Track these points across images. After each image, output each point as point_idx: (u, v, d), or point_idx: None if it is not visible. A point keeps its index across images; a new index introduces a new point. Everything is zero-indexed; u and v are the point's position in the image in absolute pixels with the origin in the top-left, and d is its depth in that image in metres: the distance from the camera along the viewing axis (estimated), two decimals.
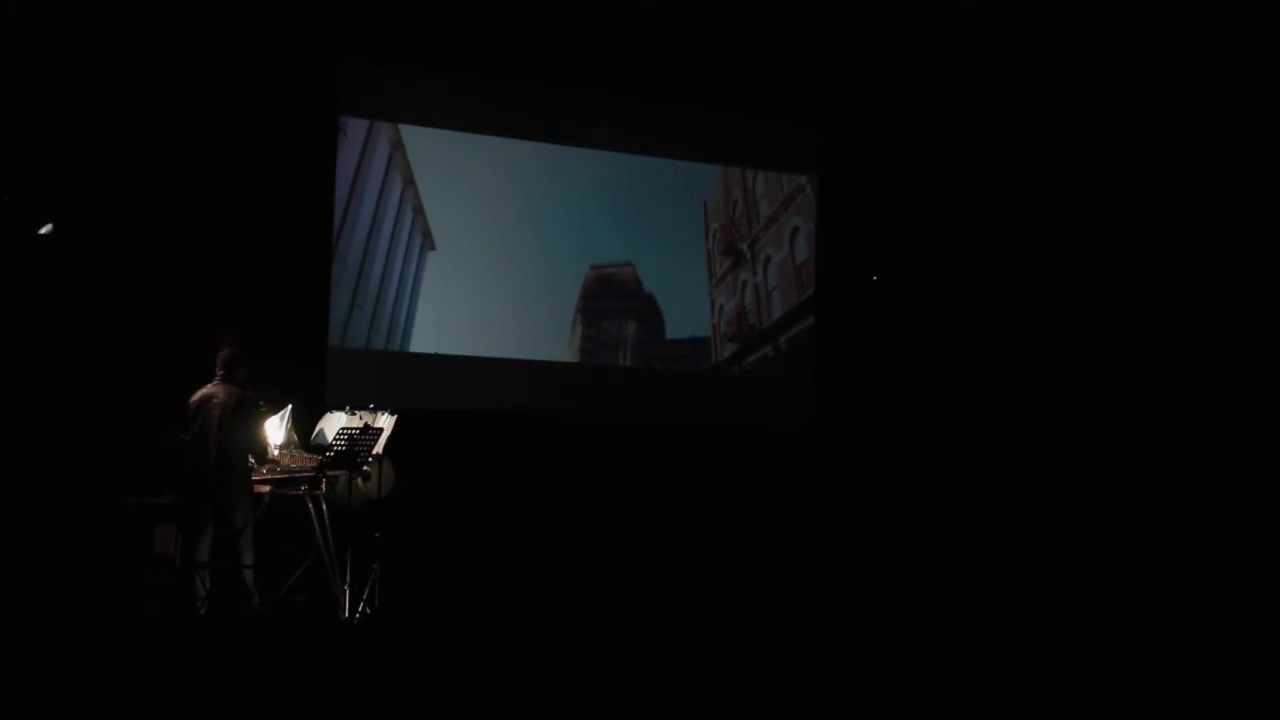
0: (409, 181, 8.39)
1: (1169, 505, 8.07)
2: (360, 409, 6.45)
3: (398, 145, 8.37)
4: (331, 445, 6.10)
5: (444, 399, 8.38)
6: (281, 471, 6.21)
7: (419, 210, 8.42)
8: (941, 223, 9.39)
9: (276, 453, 6.25)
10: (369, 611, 6.17)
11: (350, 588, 6.09)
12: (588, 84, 8.82)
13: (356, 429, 6.11)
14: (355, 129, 8.22)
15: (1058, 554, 8.09)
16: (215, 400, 5.88)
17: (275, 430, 6.30)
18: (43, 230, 7.04)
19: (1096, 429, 8.63)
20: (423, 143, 8.43)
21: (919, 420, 9.24)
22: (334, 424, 6.25)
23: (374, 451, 6.33)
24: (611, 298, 8.98)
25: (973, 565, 8.07)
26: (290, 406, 6.43)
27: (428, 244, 8.43)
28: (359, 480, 6.28)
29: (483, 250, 8.57)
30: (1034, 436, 8.83)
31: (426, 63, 8.42)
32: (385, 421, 6.43)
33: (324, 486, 6.34)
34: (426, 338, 8.41)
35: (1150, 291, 8.58)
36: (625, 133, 9.01)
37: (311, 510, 6.28)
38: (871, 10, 8.69)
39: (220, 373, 5.99)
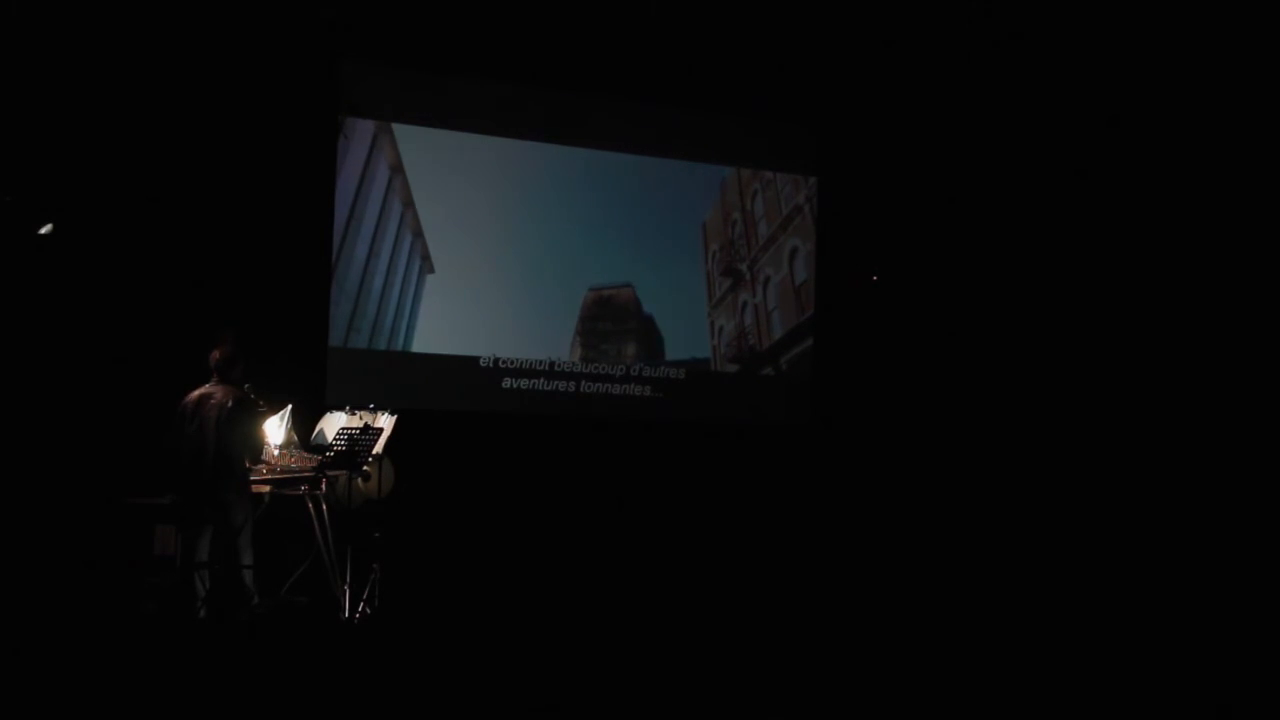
0: (408, 204, 8.39)
1: (1169, 504, 8.07)
2: (360, 409, 6.45)
3: (397, 169, 8.36)
4: (331, 445, 6.09)
5: (444, 399, 8.39)
6: (281, 471, 6.21)
7: (418, 234, 8.42)
8: (943, 227, 9.39)
9: (277, 453, 6.25)
10: (369, 611, 6.17)
11: (350, 588, 6.09)
12: (587, 85, 8.82)
13: (356, 429, 6.11)
14: (355, 154, 8.20)
15: (1057, 556, 8.09)
16: (213, 400, 5.87)
17: (275, 430, 6.29)
18: (43, 230, 7.03)
19: (1096, 434, 8.63)
20: (422, 157, 8.42)
21: (919, 424, 9.23)
22: (334, 424, 6.24)
23: (374, 451, 6.33)
24: (611, 319, 8.97)
25: (972, 565, 8.07)
26: (290, 406, 6.43)
27: (426, 267, 8.43)
28: (359, 480, 6.27)
29: (482, 272, 8.58)
30: (1033, 441, 8.83)
31: (427, 63, 8.41)
32: (385, 421, 6.43)
33: (324, 486, 6.34)
34: (426, 341, 8.43)
35: (1150, 292, 8.57)
36: (626, 136, 9.01)
37: (311, 510, 6.28)
38: (872, 10, 8.68)
39: (215, 374, 5.98)
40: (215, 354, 6.00)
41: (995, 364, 9.16)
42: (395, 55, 8.31)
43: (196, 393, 5.94)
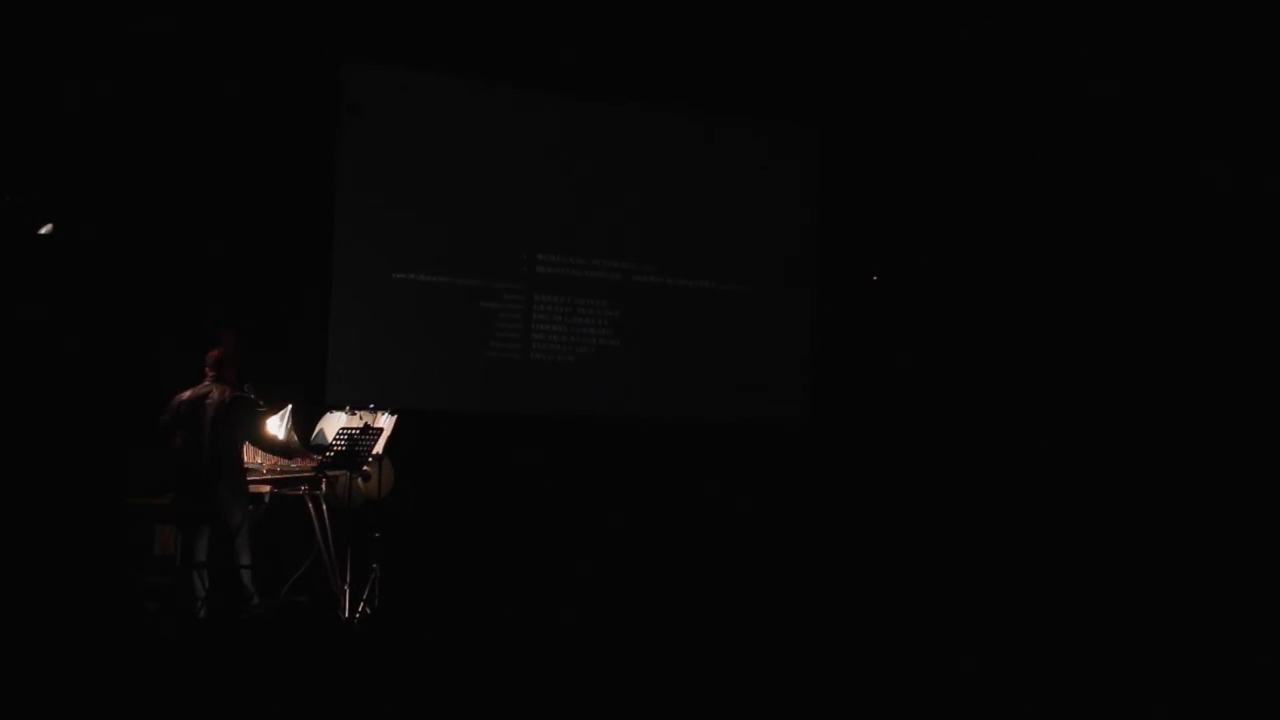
0: (408, 203, 8.38)
1: (1170, 503, 8.07)
2: (360, 409, 6.45)
3: (397, 168, 8.34)
4: (331, 445, 6.10)
5: (444, 399, 8.39)
6: (281, 471, 6.21)
7: (418, 233, 8.42)
8: (943, 222, 9.39)
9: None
10: (369, 611, 6.17)
11: (350, 588, 6.09)
12: (587, 85, 8.82)
13: (356, 429, 6.11)
14: (355, 153, 8.21)
15: (1058, 555, 8.09)
16: (209, 400, 5.85)
17: (275, 430, 6.29)
18: (43, 230, 7.04)
19: (1097, 433, 8.63)
20: (423, 157, 8.41)
21: (919, 424, 9.23)
22: (334, 424, 6.25)
23: (374, 451, 6.33)
24: (610, 318, 8.95)
25: (973, 566, 8.08)
26: (290, 406, 6.43)
27: (427, 266, 8.45)
28: (359, 480, 6.28)
29: (483, 272, 8.63)
30: (1034, 441, 8.83)
31: (428, 63, 8.41)
32: (385, 421, 6.44)
33: (324, 486, 6.34)
34: (428, 340, 8.44)
35: (1151, 290, 8.58)
36: (628, 137, 9.02)
37: (311, 510, 6.28)
38: (872, 9, 8.68)
39: (211, 373, 5.97)
40: (212, 354, 5.99)
41: (996, 363, 9.16)
42: (396, 55, 8.31)
43: (189, 393, 5.92)
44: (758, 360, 9.28)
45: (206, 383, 5.94)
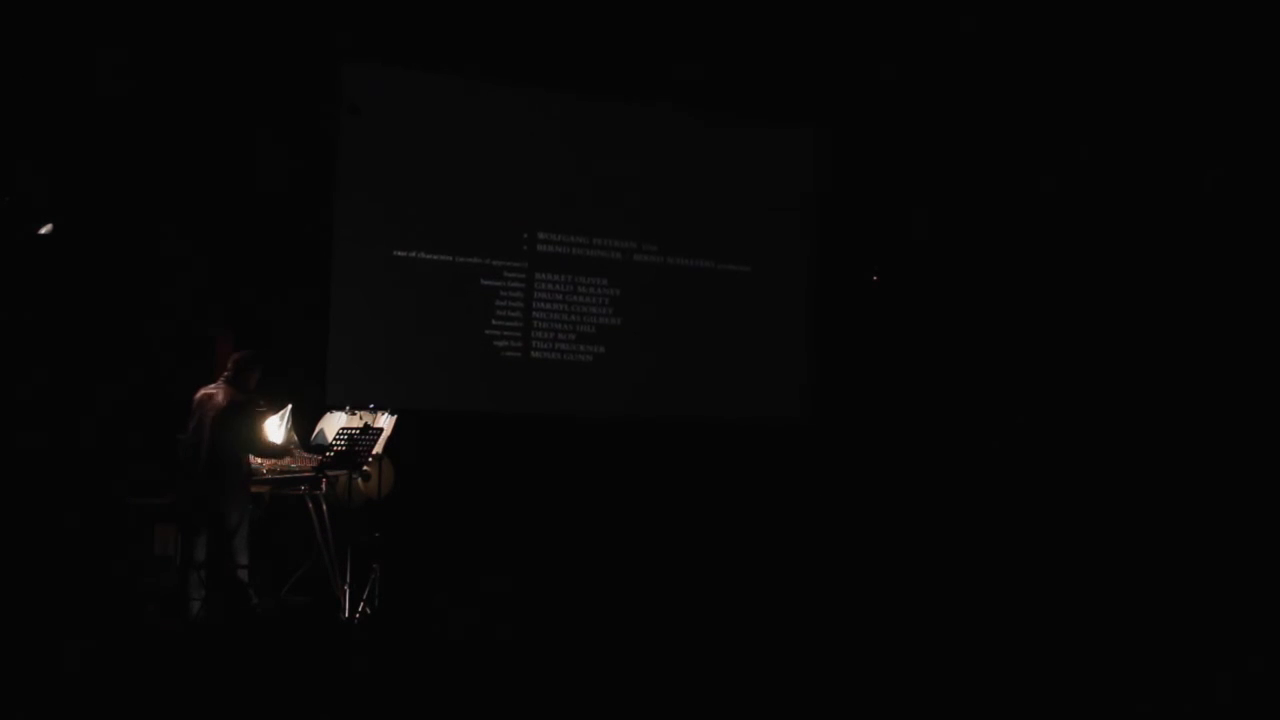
0: (407, 203, 8.40)
1: (1170, 502, 8.07)
2: (360, 409, 6.45)
3: (397, 168, 8.36)
4: (331, 445, 6.09)
5: (444, 399, 8.39)
6: (281, 471, 6.21)
7: (417, 232, 8.45)
8: (943, 226, 9.40)
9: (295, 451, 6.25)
10: (369, 611, 6.17)
11: (350, 588, 6.09)
12: (587, 85, 8.83)
13: (356, 429, 6.11)
14: (355, 153, 8.23)
15: (1059, 553, 8.09)
16: (213, 400, 5.87)
17: (275, 430, 6.29)
18: (43, 230, 7.04)
19: (1097, 432, 8.63)
20: (423, 157, 8.44)
21: (919, 423, 9.24)
22: (334, 424, 6.25)
23: (374, 451, 6.33)
24: (609, 318, 8.98)
25: (973, 565, 8.08)
26: (290, 406, 6.43)
27: (426, 265, 8.46)
28: (359, 480, 6.27)
29: (483, 272, 8.66)
30: (1034, 440, 8.83)
31: (428, 63, 8.42)
32: (385, 421, 6.44)
33: (324, 486, 6.34)
34: (427, 340, 8.44)
35: (1150, 290, 8.58)
36: (627, 136, 9.04)
37: (311, 510, 6.28)
38: (872, 10, 8.68)
39: (227, 374, 5.98)
40: (237, 355, 6.00)
41: (995, 363, 9.16)
42: (396, 55, 8.31)
43: (202, 391, 5.94)
44: (757, 351, 9.30)
45: (219, 382, 5.94)
